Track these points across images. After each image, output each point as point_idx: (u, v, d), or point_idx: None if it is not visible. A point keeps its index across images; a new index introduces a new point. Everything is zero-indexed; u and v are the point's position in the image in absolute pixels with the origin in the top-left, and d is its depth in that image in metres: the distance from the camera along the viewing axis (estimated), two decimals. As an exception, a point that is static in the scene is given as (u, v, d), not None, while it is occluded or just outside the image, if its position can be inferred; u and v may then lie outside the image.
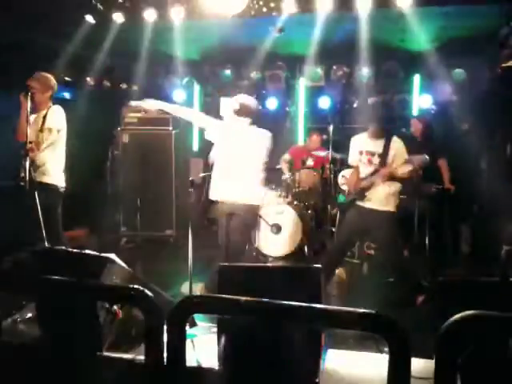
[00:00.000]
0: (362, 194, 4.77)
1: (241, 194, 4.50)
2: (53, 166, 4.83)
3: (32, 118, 4.72)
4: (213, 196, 4.69)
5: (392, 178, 4.61)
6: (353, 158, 5.00)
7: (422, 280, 4.78)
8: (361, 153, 4.85)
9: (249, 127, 4.64)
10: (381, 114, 4.88)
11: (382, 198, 4.71)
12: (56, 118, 4.79)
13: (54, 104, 4.85)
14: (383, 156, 4.64)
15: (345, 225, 5.05)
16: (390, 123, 4.87)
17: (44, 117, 4.72)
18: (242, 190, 4.49)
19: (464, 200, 6.73)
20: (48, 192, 4.64)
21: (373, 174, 4.72)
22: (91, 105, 6.80)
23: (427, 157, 4.45)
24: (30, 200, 4.50)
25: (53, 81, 4.93)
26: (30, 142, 4.48)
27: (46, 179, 4.71)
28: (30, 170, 4.36)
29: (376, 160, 4.72)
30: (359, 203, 4.82)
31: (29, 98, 4.51)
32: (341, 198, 4.97)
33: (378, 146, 4.73)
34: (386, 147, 4.65)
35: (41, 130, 4.66)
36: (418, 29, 5.81)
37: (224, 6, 4.65)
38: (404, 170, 4.55)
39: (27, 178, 4.41)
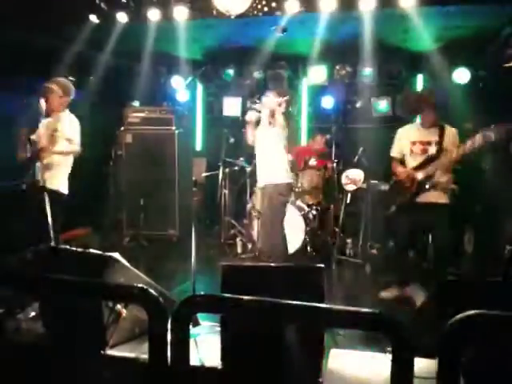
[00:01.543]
0: (423, 185, 4.81)
1: None
2: (60, 172, 4.85)
3: (45, 121, 4.74)
4: None
5: (454, 162, 4.68)
6: (399, 150, 5.07)
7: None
8: (413, 143, 4.90)
9: None
10: (434, 103, 4.91)
11: (439, 191, 4.79)
12: (70, 127, 4.82)
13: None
14: (440, 143, 4.72)
15: (404, 226, 5.06)
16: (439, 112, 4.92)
17: (57, 122, 4.71)
18: None
19: (467, 200, 6.71)
20: (52, 197, 4.65)
21: (427, 162, 4.78)
22: (94, 105, 6.80)
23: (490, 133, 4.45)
24: (34, 201, 4.54)
25: (72, 88, 4.97)
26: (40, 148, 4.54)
27: (52, 184, 4.71)
28: (36, 173, 4.38)
29: (433, 149, 4.78)
30: (417, 200, 4.86)
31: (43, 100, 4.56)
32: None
33: (432, 134, 4.81)
34: (442, 135, 4.74)
35: (52, 135, 4.66)
36: (421, 29, 5.80)
37: (227, 6, 4.66)
38: (463, 149, 4.57)
39: (34, 180, 4.46)
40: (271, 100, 5.04)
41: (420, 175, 4.82)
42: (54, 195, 4.69)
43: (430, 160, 4.77)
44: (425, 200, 4.84)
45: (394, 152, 5.13)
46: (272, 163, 5.21)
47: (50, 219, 4.44)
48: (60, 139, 4.70)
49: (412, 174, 4.88)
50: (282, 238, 5.21)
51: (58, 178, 4.80)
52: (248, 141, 5.41)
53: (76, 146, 4.85)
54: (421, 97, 5.13)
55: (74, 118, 4.91)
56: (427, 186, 4.78)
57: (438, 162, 4.71)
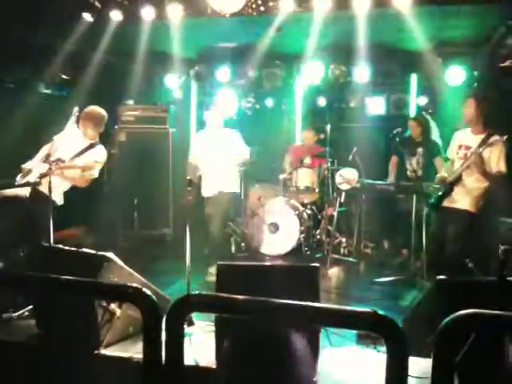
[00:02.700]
0: (449, 188, 4.80)
1: None
2: (63, 185, 4.86)
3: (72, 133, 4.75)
4: None
5: (482, 173, 4.58)
6: (451, 152, 5.01)
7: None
8: (460, 147, 4.85)
9: None
10: (487, 110, 4.79)
11: (465, 196, 4.73)
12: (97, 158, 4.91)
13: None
14: (480, 151, 4.56)
15: (436, 227, 5.09)
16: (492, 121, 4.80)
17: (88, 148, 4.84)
18: None
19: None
20: (44, 204, 4.63)
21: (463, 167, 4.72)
22: (88, 103, 6.77)
23: None
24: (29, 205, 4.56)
25: (105, 118, 5.13)
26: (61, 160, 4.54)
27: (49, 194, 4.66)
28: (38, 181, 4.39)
29: (470, 155, 4.66)
30: (445, 204, 4.85)
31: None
32: (432, 197, 5.02)
33: (476, 140, 4.69)
34: (483, 142, 4.59)
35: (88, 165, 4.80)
36: (416, 28, 5.81)
37: (222, 5, 4.65)
38: (496, 168, 4.53)
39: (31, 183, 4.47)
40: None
41: (449, 179, 4.83)
42: (48, 202, 4.67)
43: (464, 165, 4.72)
44: (447, 204, 4.86)
45: (448, 153, 5.11)
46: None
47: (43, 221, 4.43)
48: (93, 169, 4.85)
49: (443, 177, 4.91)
50: None
51: (58, 191, 4.81)
52: None
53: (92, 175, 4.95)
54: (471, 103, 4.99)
55: (104, 152, 5.06)
56: (453, 189, 4.78)
57: (468, 162, 4.65)
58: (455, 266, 4.76)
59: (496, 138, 4.56)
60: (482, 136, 4.65)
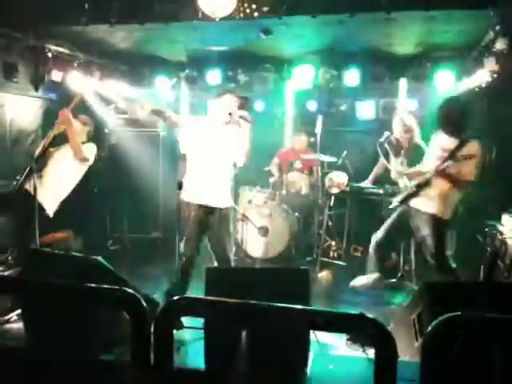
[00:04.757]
0: (418, 188, 4.80)
1: None
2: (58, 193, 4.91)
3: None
4: None
5: (451, 180, 4.56)
6: (430, 152, 4.96)
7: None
8: (436, 148, 4.80)
9: None
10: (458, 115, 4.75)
11: (429, 200, 4.71)
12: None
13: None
14: (453, 154, 4.53)
15: (392, 218, 5.10)
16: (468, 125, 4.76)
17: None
18: None
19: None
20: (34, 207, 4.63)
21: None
22: (77, 105, 6.75)
23: None
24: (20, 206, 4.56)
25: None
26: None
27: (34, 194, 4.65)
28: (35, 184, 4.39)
29: (446, 158, 4.60)
30: (412, 205, 4.85)
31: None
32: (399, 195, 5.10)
33: (451, 143, 4.64)
34: (459, 146, 4.55)
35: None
36: (405, 33, 5.85)
37: (212, 8, 4.65)
38: (468, 173, 4.49)
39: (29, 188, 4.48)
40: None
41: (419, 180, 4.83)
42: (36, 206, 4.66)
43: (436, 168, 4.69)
44: (414, 205, 4.87)
45: (426, 154, 5.08)
46: None
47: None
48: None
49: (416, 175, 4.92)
50: None
51: (54, 198, 4.83)
52: None
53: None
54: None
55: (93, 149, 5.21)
56: (419, 191, 4.79)
57: (434, 169, 4.64)
58: (438, 269, 4.81)
59: (472, 146, 4.53)
60: (458, 140, 4.61)
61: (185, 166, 4.59)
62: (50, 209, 4.85)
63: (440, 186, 4.66)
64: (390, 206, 5.15)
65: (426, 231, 4.75)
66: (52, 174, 4.89)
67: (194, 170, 4.47)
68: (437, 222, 4.70)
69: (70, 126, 4.81)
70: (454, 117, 4.68)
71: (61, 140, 4.99)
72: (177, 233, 4.36)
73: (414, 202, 4.85)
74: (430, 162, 4.81)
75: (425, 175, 4.77)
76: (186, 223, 4.37)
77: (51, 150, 4.94)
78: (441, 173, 4.56)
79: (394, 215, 5.09)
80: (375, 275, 5.15)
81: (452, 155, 4.51)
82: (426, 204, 4.75)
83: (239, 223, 6.87)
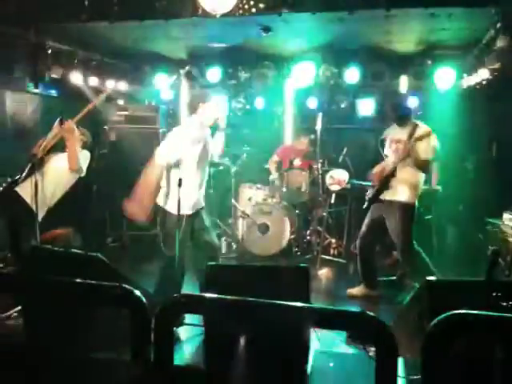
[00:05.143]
0: (385, 183, 4.96)
1: None
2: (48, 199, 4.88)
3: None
4: None
5: (416, 163, 4.77)
6: (386, 149, 5.18)
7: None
8: (391, 142, 5.06)
9: None
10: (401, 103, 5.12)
11: (399, 189, 4.89)
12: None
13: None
14: (407, 141, 4.79)
15: (368, 216, 5.22)
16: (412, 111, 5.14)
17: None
18: None
19: (450, 200, 6.78)
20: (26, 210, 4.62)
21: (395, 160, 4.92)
22: (77, 102, 6.74)
23: None
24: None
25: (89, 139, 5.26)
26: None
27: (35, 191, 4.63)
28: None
29: (401, 147, 4.87)
30: (384, 197, 5.00)
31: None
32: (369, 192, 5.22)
33: (403, 133, 4.91)
34: (411, 133, 4.81)
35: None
36: (405, 30, 5.84)
37: (213, 5, 4.63)
38: (424, 156, 4.72)
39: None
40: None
41: (384, 173, 5.00)
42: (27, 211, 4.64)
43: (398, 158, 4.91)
44: (385, 197, 5.00)
45: (384, 150, 5.24)
46: None
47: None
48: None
49: (381, 173, 5.07)
50: None
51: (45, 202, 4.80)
52: None
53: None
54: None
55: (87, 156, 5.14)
56: (390, 185, 4.95)
57: (397, 153, 4.89)
58: (408, 261, 4.99)
59: (423, 129, 4.81)
60: (409, 128, 4.89)
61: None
62: (39, 214, 4.78)
63: (403, 174, 4.87)
64: (364, 206, 5.25)
65: (396, 220, 4.89)
66: (44, 180, 4.82)
67: (188, 180, 4.24)
68: (405, 208, 4.88)
69: (73, 136, 4.77)
70: (399, 108, 5.01)
71: (56, 147, 4.95)
72: (176, 230, 4.34)
73: (384, 195, 5.00)
74: (389, 157, 5.06)
75: (387, 169, 4.97)
76: (171, 234, 4.26)
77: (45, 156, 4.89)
78: (401, 159, 4.81)
79: (368, 213, 5.21)
80: (361, 287, 5.25)
81: (410, 136, 4.79)
82: (394, 193, 4.92)
83: (239, 220, 6.86)
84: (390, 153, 5.07)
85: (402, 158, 4.81)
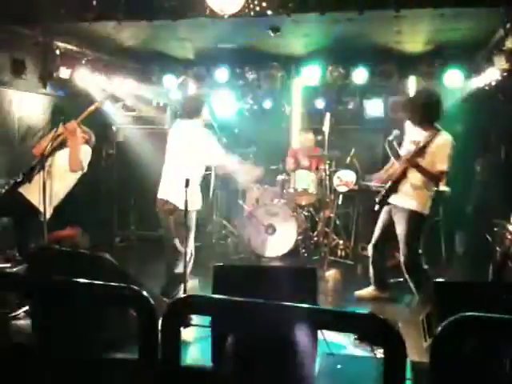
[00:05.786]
0: (394, 185, 4.75)
1: None
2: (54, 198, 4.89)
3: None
4: None
5: (430, 176, 4.55)
6: (403, 148, 4.88)
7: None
8: (410, 142, 4.77)
9: None
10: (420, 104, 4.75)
11: (407, 196, 4.68)
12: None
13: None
14: (423, 147, 4.54)
15: (380, 218, 5.07)
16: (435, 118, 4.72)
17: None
18: None
19: (458, 202, 6.74)
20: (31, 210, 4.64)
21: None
22: (86, 102, 6.76)
23: None
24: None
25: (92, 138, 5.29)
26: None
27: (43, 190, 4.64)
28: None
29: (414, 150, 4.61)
30: (392, 201, 4.81)
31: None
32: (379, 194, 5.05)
33: (422, 135, 4.64)
34: (429, 140, 4.56)
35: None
36: (414, 30, 5.81)
37: (221, 6, 4.63)
38: (440, 166, 4.48)
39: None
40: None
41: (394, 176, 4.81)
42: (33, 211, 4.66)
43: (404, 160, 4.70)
44: (394, 202, 4.83)
45: (401, 150, 4.99)
46: None
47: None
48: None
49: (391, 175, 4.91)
50: None
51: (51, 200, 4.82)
52: None
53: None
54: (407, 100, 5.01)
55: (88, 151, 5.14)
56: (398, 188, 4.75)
57: (404, 160, 4.65)
58: (410, 269, 4.74)
59: (443, 139, 4.55)
60: (429, 133, 4.60)
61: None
62: (46, 214, 4.80)
63: (414, 179, 4.64)
64: (375, 208, 5.05)
65: (401, 226, 4.71)
66: (48, 179, 4.83)
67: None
68: (413, 217, 4.66)
69: (75, 138, 4.79)
70: (425, 110, 4.66)
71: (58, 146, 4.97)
72: (184, 230, 4.34)
73: (393, 199, 4.81)
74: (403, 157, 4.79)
75: (397, 171, 4.76)
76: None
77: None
78: (411, 163, 4.56)
79: (380, 216, 5.07)
80: (370, 289, 5.18)
81: (420, 147, 4.53)
82: (403, 199, 4.72)
83: (247, 221, 6.86)
84: (404, 152, 4.81)
85: (411, 161, 4.59)
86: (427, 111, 4.67)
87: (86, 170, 4.98)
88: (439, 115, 4.70)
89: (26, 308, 3.69)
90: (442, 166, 4.53)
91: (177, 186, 4.30)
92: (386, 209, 4.99)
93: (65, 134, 4.75)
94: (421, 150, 4.56)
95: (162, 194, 4.60)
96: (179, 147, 4.60)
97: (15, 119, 6.18)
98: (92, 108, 4.97)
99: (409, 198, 4.68)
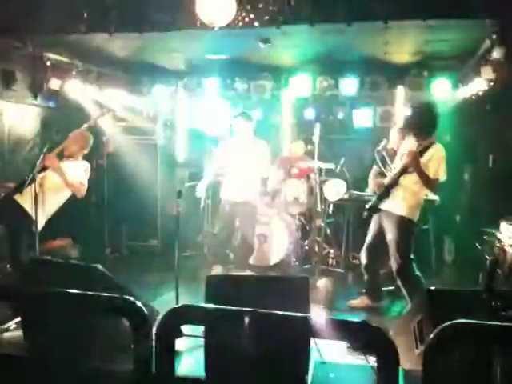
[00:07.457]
0: (386, 191, 4.80)
1: None
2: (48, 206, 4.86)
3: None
4: None
5: (419, 172, 4.56)
6: (396, 162, 4.96)
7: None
8: (402, 155, 4.81)
9: None
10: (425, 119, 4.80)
11: (399, 202, 4.72)
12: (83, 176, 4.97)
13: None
14: (420, 152, 4.57)
15: (371, 226, 5.10)
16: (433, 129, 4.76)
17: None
18: None
19: (447, 210, 6.79)
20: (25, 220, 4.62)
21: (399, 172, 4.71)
22: (75, 113, 6.76)
23: None
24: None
25: (90, 140, 5.22)
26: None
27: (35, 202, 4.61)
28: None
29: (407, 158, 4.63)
30: (383, 207, 4.85)
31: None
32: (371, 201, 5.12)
33: (415, 146, 4.68)
34: (423, 149, 4.60)
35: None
36: (402, 42, 5.88)
37: (211, 18, 4.66)
38: (434, 175, 4.53)
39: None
40: None
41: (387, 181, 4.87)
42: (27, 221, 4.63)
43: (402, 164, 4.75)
44: (383, 207, 4.87)
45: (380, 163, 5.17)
46: None
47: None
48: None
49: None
50: None
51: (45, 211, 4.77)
52: None
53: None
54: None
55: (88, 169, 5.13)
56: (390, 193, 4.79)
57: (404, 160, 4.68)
58: (402, 276, 4.76)
59: (437, 151, 4.60)
60: (423, 144, 4.64)
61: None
62: (39, 224, 4.76)
63: (406, 187, 4.69)
64: (364, 215, 5.10)
65: (392, 233, 4.74)
66: (42, 190, 4.80)
67: None
68: (403, 224, 4.70)
69: (58, 168, 4.75)
70: (421, 121, 4.74)
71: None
72: (175, 241, 4.34)
73: (385, 205, 4.85)
74: (397, 164, 4.87)
75: (390, 177, 4.81)
76: None
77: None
78: (415, 158, 4.56)
79: (371, 225, 5.10)
80: (362, 298, 5.21)
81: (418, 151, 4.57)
82: (394, 205, 4.76)
83: (238, 231, 6.86)
84: (398, 161, 4.87)
85: (404, 168, 4.64)
86: (427, 124, 4.73)
87: (87, 186, 4.96)
88: (436, 128, 4.76)
89: (18, 320, 3.66)
90: (438, 174, 4.58)
91: None
92: (375, 218, 5.02)
93: (49, 168, 4.72)
94: (413, 155, 4.60)
95: None
96: None
97: (5, 130, 6.16)
98: (71, 137, 5.02)
99: (399, 203, 4.72)
